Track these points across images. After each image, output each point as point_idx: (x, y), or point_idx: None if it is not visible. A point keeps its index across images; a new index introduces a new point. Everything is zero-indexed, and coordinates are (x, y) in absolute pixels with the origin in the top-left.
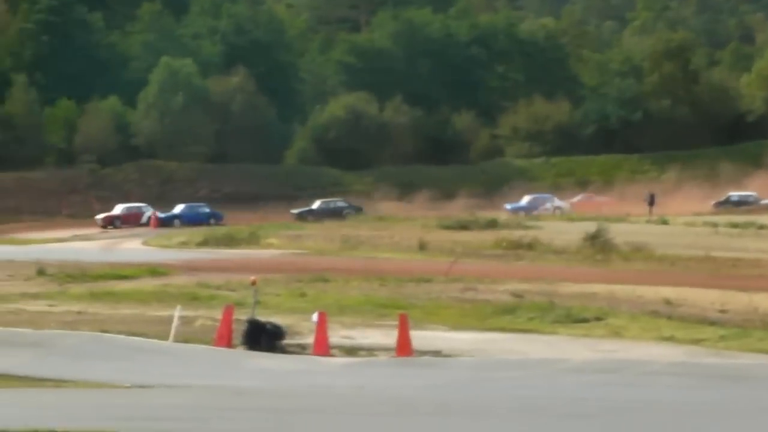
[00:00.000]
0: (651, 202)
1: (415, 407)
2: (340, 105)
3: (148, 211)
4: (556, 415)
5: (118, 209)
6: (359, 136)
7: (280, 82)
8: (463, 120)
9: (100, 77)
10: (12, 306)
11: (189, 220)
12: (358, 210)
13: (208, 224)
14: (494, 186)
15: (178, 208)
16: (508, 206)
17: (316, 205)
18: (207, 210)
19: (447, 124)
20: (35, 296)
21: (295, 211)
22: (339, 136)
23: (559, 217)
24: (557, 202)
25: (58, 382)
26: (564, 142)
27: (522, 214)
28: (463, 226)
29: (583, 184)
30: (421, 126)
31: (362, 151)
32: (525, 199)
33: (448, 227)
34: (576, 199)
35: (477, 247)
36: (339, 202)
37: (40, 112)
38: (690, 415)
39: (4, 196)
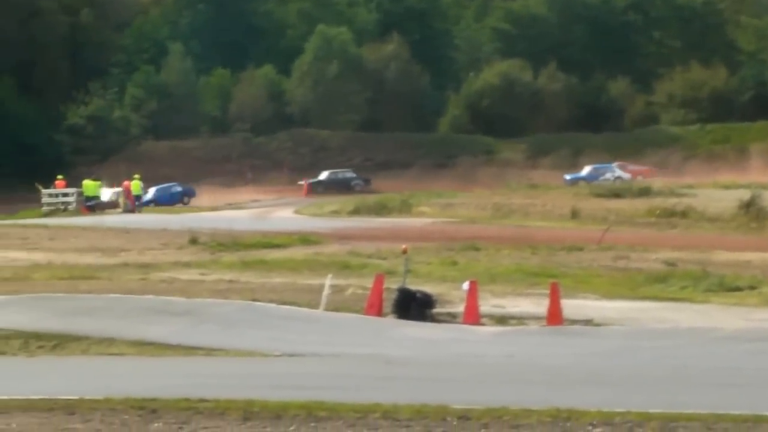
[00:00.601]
0: None
1: (565, 376)
2: (494, 72)
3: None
4: (708, 384)
5: (323, 175)
6: (513, 104)
7: (434, 49)
8: (618, 86)
9: (255, 46)
10: (165, 275)
11: (164, 201)
12: (367, 182)
13: (183, 203)
14: (648, 153)
15: (151, 192)
16: (567, 177)
17: (324, 176)
18: (179, 189)
19: (601, 90)
20: (187, 265)
21: (301, 182)
22: (492, 103)
23: (713, 184)
24: (617, 171)
25: (209, 351)
26: (720, 109)
27: (582, 183)
28: (616, 194)
29: (740, 152)
30: (575, 93)
31: (515, 119)
32: (585, 170)
33: (600, 195)
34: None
35: (630, 215)
36: (347, 173)
37: (195, 81)
38: None
39: (159, 165)
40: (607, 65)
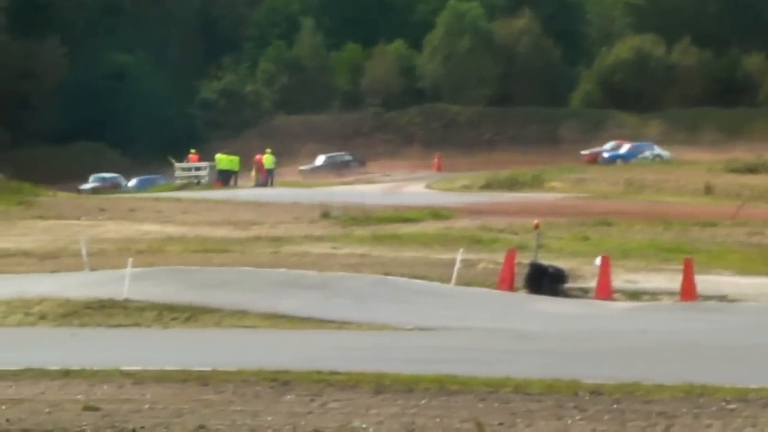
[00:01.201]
0: None
1: (698, 352)
2: (626, 47)
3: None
4: None
5: (320, 160)
6: (645, 79)
7: (566, 24)
8: (753, 61)
9: (387, 20)
10: (297, 248)
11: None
12: (362, 163)
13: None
14: None
15: (321, 159)
16: (605, 154)
17: (320, 161)
18: (348, 157)
19: (736, 65)
20: (319, 239)
21: (303, 167)
22: (625, 78)
23: None
24: (656, 149)
25: (341, 324)
26: None
27: (619, 162)
28: (751, 170)
29: None
30: (709, 67)
31: (648, 94)
32: (624, 147)
33: (734, 170)
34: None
35: (765, 190)
36: (345, 156)
37: (326, 56)
38: None
39: (291, 139)
40: (743, 39)
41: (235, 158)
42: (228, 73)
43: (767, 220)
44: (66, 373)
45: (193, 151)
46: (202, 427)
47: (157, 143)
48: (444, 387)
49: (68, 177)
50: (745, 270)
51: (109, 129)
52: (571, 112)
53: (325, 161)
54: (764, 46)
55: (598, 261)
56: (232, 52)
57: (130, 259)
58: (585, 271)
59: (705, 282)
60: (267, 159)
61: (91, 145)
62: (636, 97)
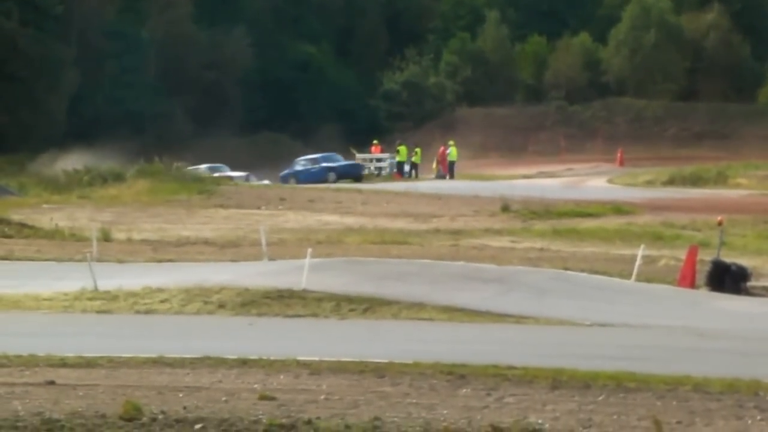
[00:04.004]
0: None
1: None
2: None
3: None
4: None
5: (300, 165)
6: None
7: (756, 19)
8: None
9: (572, 13)
10: (476, 241)
11: None
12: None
13: None
14: None
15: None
16: None
17: (300, 166)
18: None
19: None
20: (499, 232)
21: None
22: None
23: None
24: None
25: (519, 318)
26: None
27: None
28: None
29: None
30: None
31: None
32: None
33: None
34: None
35: None
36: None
37: (510, 49)
38: None
39: (472, 132)
40: None
41: (418, 150)
42: (411, 64)
43: None
44: (243, 362)
45: (375, 142)
46: (377, 418)
47: (339, 134)
48: (622, 384)
49: (253, 168)
50: None
51: (292, 120)
52: (759, 108)
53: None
54: None
55: None
56: (416, 44)
57: (309, 250)
58: None
59: None
60: (452, 151)
61: (273, 135)
62: None
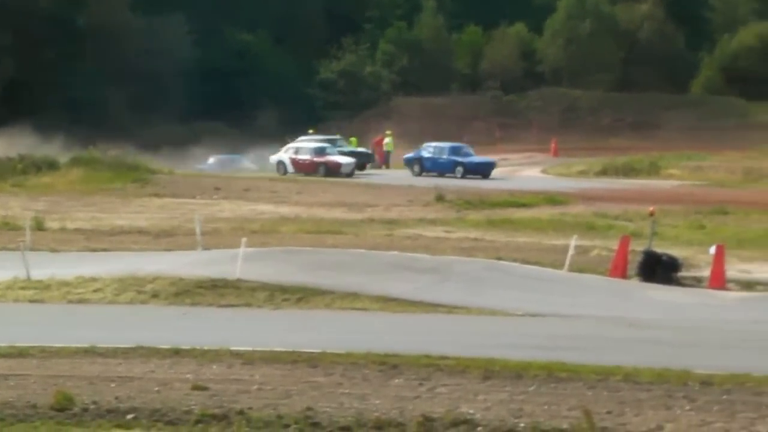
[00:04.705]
0: None
1: None
2: (751, 33)
3: None
4: None
5: (211, 160)
6: None
7: (689, 9)
8: None
9: (508, 3)
10: (410, 231)
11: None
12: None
13: None
14: None
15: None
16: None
17: (212, 161)
18: None
19: None
20: (433, 222)
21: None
22: (748, 65)
23: None
24: None
25: (452, 308)
26: None
27: None
28: None
29: None
30: None
31: None
32: None
33: None
34: None
35: None
36: (234, 156)
37: (447, 38)
38: None
39: (408, 121)
40: None
41: (353, 140)
42: (348, 53)
43: None
44: (176, 352)
45: (311, 131)
46: (309, 408)
47: (276, 122)
48: (553, 374)
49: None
50: None
51: (230, 108)
52: (692, 98)
53: (216, 161)
54: None
55: (712, 250)
56: (353, 33)
57: (244, 239)
58: (699, 259)
59: None
60: (387, 142)
61: (211, 124)
62: (759, 84)
